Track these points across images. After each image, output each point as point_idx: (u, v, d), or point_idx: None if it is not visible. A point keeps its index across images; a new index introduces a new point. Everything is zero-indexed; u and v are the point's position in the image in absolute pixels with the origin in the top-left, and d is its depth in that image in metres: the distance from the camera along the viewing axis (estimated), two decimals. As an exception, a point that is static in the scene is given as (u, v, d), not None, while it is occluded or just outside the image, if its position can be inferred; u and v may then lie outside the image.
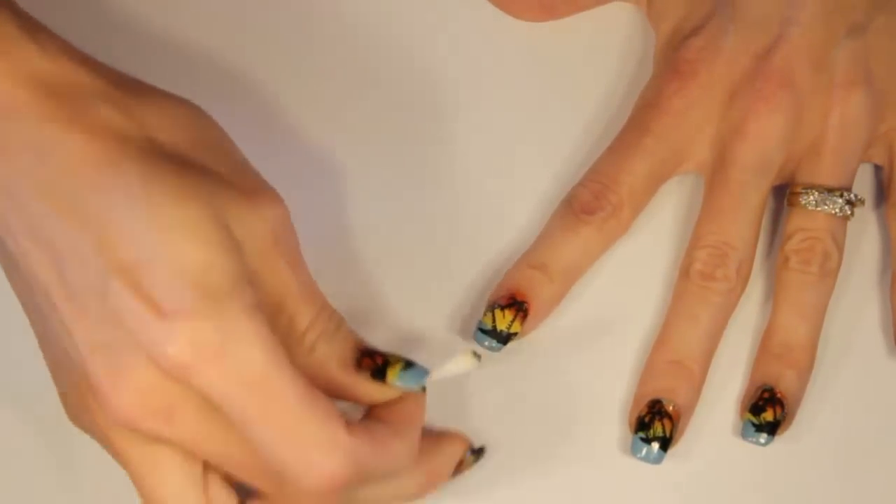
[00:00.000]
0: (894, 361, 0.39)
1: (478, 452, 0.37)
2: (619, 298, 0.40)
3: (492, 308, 0.38)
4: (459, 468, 0.36)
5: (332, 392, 0.33)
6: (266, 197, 0.33)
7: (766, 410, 0.37)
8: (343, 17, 0.43)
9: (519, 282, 0.39)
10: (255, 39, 0.43)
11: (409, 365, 0.33)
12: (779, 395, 0.38)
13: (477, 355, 0.34)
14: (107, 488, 0.37)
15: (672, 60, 0.40)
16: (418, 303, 0.40)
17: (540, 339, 0.39)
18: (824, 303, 0.39)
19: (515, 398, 0.39)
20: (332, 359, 0.33)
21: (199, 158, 0.32)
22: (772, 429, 0.37)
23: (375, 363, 0.33)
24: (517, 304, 0.38)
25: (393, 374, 0.33)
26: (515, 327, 0.38)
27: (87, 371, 0.30)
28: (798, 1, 0.39)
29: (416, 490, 0.35)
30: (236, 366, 0.30)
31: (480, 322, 0.38)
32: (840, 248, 0.39)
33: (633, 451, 0.38)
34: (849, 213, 0.39)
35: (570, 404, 0.39)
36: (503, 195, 0.41)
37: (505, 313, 0.38)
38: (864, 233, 0.41)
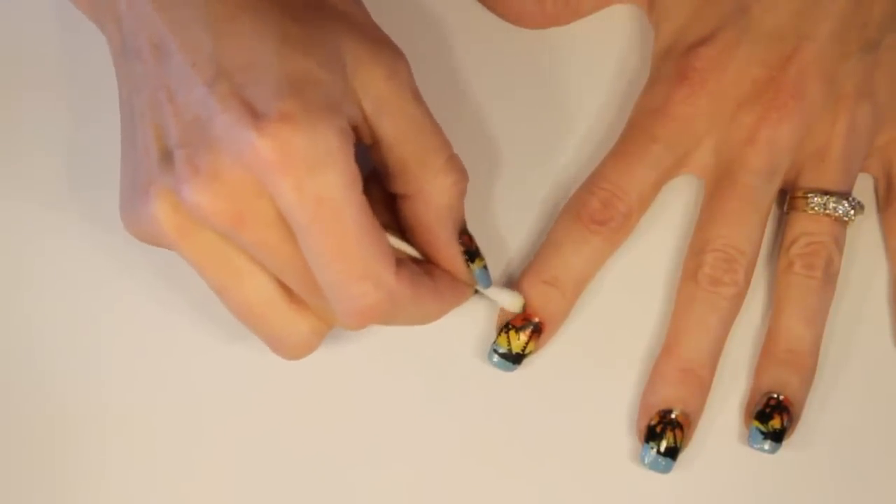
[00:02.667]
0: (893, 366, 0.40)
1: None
2: (619, 302, 0.40)
3: (506, 329, 0.38)
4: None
5: (419, 239, 0.36)
6: (388, 47, 0.34)
7: (774, 418, 0.38)
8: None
9: (532, 299, 0.38)
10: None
11: (486, 267, 0.37)
12: (785, 402, 0.38)
13: (522, 306, 0.38)
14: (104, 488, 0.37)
15: (680, 67, 0.39)
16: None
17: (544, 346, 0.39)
18: (827, 307, 0.39)
19: (520, 406, 0.39)
20: (449, 212, 0.35)
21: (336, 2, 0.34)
22: (778, 436, 0.38)
23: (471, 245, 0.36)
24: (531, 325, 0.38)
25: (477, 264, 0.36)
26: (530, 348, 0.38)
27: (173, 163, 0.31)
28: (814, 16, 0.39)
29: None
30: (314, 180, 0.31)
31: (495, 344, 0.38)
32: (841, 253, 0.39)
33: (642, 460, 0.38)
34: (852, 216, 0.39)
35: (574, 411, 0.39)
36: (502, 199, 0.41)
37: (520, 336, 0.38)
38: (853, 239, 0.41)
